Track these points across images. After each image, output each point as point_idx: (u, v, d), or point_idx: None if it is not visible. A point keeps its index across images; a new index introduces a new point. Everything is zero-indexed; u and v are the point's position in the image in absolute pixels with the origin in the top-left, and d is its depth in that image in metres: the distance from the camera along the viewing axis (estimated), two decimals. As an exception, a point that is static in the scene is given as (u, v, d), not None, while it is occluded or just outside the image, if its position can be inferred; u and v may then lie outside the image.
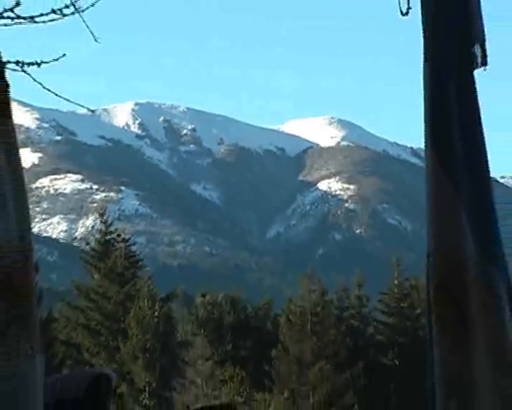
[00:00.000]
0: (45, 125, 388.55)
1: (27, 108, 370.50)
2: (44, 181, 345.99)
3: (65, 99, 4.36)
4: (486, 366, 4.06)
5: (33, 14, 4.00)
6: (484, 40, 4.30)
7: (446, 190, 4.17)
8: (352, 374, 54.09)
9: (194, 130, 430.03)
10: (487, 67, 4.29)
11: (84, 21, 4.13)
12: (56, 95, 4.16)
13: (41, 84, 4.03)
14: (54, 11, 4.02)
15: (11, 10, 3.94)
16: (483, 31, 4.32)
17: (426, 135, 4.24)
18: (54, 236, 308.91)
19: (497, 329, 4.09)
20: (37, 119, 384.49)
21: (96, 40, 4.25)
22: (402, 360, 62.82)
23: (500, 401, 4.08)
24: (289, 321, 57.99)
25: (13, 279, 3.61)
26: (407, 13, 4.31)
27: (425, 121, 4.24)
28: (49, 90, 4.10)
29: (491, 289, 4.10)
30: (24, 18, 3.98)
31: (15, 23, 3.97)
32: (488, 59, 4.30)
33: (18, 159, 3.78)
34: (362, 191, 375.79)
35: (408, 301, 68.39)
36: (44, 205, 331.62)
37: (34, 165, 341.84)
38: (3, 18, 3.93)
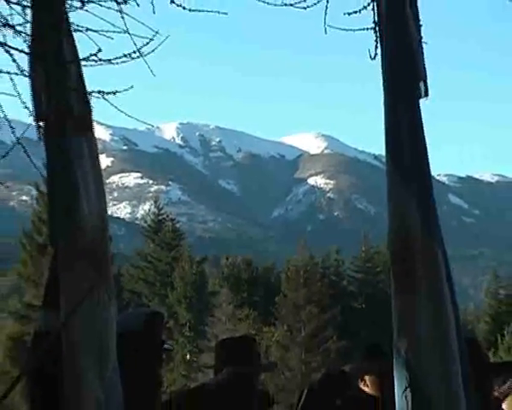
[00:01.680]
0: (116, 138, 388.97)
1: (103, 126, 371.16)
2: (115, 178, 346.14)
3: (134, 118, 4.34)
4: (427, 310, 4.10)
5: (110, 57, 4.00)
6: (426, 78, 4.31)
7: (400, 185, 4.19)
8: (332, 314, 54.08)
9: (220, 141, 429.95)
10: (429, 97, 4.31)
11: (146, 63, 4.12)
12: (127, 115, 4.14)
13: (116, 107, 4.02)
14: (125, 55, 4.01)
15: (95, 55, 3.93)
16: (425, 71, 4.32)
17: (386, 146, 4.25)
18: (121, 216, 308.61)
19: (435, 285, 4.13)
20: (111, 134, 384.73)
21: (153, 75, 4.24)
22: (367, 305, 62.84)
23: (438, 336, 4.10)
24: (287, 276, 57.98)
25: (96, 249, 3.60)
26: (375, 57, 4.30)
27: (385, 136, 4.25)
28: (122, 112, 4.08)
29: (432, 256, 4.14)
30: (104, 60, 3.97)
31: (98, 64, 3.95)
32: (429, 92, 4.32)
33: (98, 162, 3.76)
34: (339, 185, 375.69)
35: (372, 262, 68.40)
36: (115, 194, 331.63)
37: (108, 166, 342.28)
38: (89, 60, 3.91)
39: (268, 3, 4.29)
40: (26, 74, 3.93)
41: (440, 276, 4.16)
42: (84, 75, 3.82)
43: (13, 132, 4.17)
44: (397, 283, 4.18)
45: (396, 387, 4.12)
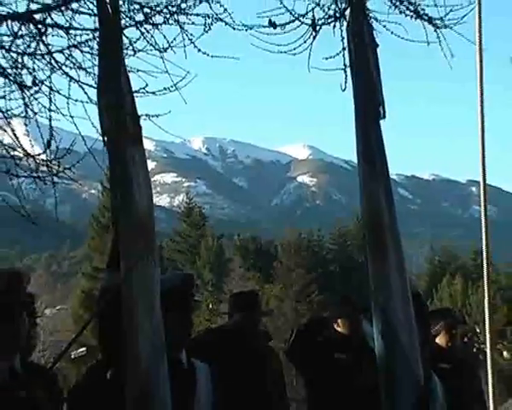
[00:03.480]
0: (158, 148, 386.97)
1: (149, 140, 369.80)
2: (158, 177, 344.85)
3: (170, 133, 4.37)
4: (394, 270, 4.14)
5: (154, 90, 4.02)
6: (384, 104, 4.32)
7: (372, 183, 4.22)
8: (314, 275, 54.02)
9: (234, 150, 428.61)
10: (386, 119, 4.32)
11: (181, 96, 4.13)
12: (166, 132, 4.15)
13: (159, 126, 4.04)
14: (165, 89, 4.02)
15: (143, 88, 3.94)
16: (383, 99, 4.33)
17: (359, 153, 4.26)
18: (163, 205, 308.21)
19: (398, 252, 4.20)
20: (154, 145, 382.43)
21: (185, 103, 4.26)
22: (340, 268, 62.66)
23: (402, 287, 4.17)
24: (283, 248, 58.02)
25: (145, 228, 3.61)
26: (344, 89, 4.31)
27: (357, 145, 4.26)
28: (162, 129, 4.10)
29: (395, 232, 4.21)
30: (150, 92, 3.99)
31: (145, 95, 3.96)
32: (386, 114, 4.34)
33: (145, 165, 3.76)
34: (319, 182, 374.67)
35: (343, 238, 68.36)
36: (158, 189, 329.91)
37: (152, 168, 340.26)
38: (139, 92, 3.93)
39: (269, 51, 4.29)
40: (94, 103, 3.95)
41: (400, 245, 4.20)
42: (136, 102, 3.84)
43: (85, 144, 4.19)
44: (372, 252, 4.21)
45: (374, 323, 4.16)
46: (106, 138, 3.67)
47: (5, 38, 4.10)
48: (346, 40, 4.36)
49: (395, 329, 4.11)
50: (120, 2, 4.04)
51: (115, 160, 3.63)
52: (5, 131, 4.34)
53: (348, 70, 4.35)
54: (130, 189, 3.58)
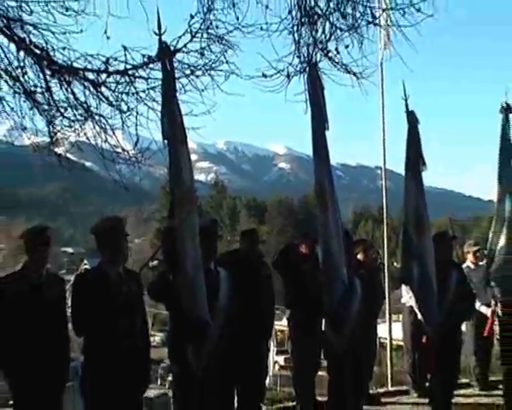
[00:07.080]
0: (199, 147, 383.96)
1: (194, 142, 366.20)
2: (198, 164, 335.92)
3: (206, 139, 4.36)
4: (332, 219, 4.11)
5: (197, 113, 4.11)
6: (327, 121, 4.32)
7: (320, 167, 4.19)
8: (289, 221, 54.12)
9: (243, 150, 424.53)
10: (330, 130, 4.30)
11: (211, 117, 4.14)
12: (203, 137, 4.18)
13: (200, 135, 4.09)
14: (203, 113, 4.10)
15: (190, 112, 3.99)
16: (327, 118, 4.31)
17: (313, 150, 4.25)
18: (201, 180, 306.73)
19: (336, 206, 4.16)
20: (196, 145, 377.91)
21: (214, 120, 4.28)
22: (303, 216, 61.99)
23: (337, 228, 4.13)
24: (270, 205, 58.15)
25: (189, 193, 3.52)
26: (306, 113, 4.32)
27: (314, 145, 4.25)
28: (200, 136, 4.14)
29: (334, 196, 4.20)
30: (194, 114, 4.03)
31: (191, 116, 3.99)
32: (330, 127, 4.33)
33: (189, 158, 3.64)
34: (292, 167, 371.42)
35: (306, 200, 67.73)
36: (198, 171, 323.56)
37: (195, 159, 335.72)
38: (188, 115, 3.95)
39: (262, 90, 4.29)
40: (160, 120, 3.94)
41: (336, 205, 4.19)
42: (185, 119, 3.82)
43: (156, 145, 4.21)
44: (320, 208, 4.18)
45: (321, 250, 4.16)
46: (166, 141, 3.67)
47: (112, 85, 4.17)
48: (306, 84, 4.36)
49: (332, 252, 4.14)
50: (177, 64, 4.09)
51: (171, 154, 3.62)
52: (111, 136, 4.43)
53: (308, 101, 4.36)
54: (180, 170, 3.56)
